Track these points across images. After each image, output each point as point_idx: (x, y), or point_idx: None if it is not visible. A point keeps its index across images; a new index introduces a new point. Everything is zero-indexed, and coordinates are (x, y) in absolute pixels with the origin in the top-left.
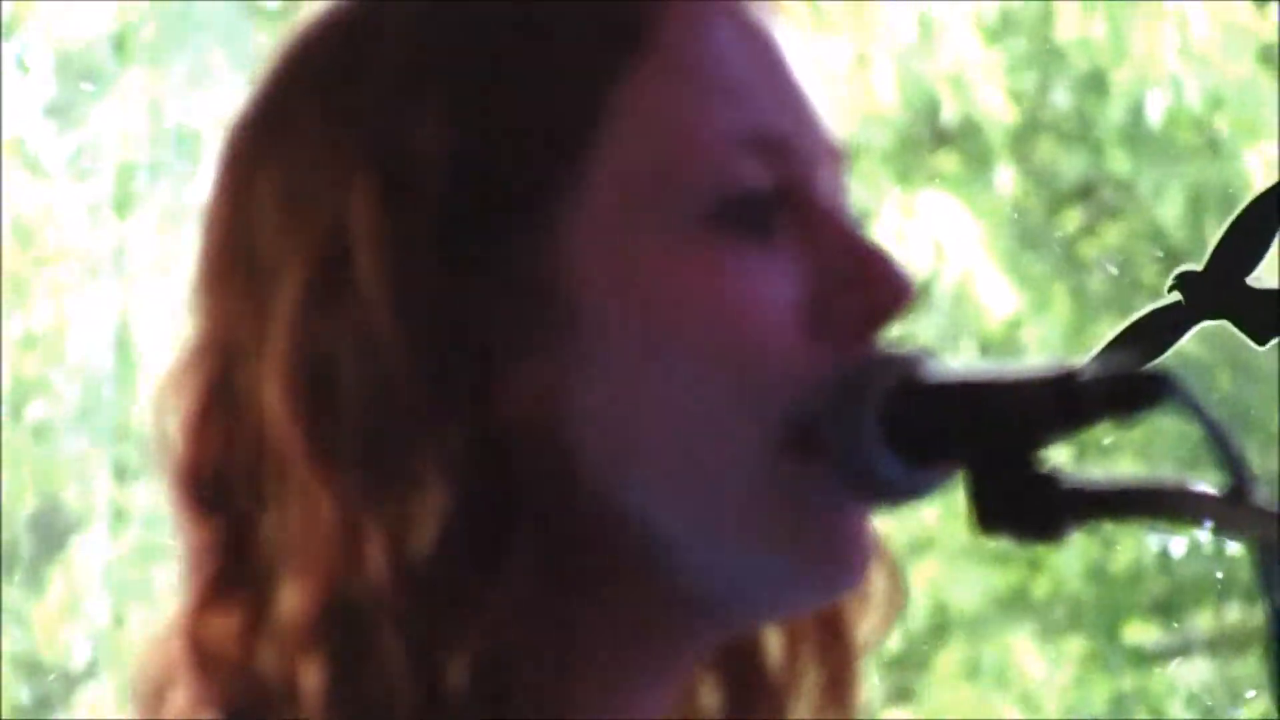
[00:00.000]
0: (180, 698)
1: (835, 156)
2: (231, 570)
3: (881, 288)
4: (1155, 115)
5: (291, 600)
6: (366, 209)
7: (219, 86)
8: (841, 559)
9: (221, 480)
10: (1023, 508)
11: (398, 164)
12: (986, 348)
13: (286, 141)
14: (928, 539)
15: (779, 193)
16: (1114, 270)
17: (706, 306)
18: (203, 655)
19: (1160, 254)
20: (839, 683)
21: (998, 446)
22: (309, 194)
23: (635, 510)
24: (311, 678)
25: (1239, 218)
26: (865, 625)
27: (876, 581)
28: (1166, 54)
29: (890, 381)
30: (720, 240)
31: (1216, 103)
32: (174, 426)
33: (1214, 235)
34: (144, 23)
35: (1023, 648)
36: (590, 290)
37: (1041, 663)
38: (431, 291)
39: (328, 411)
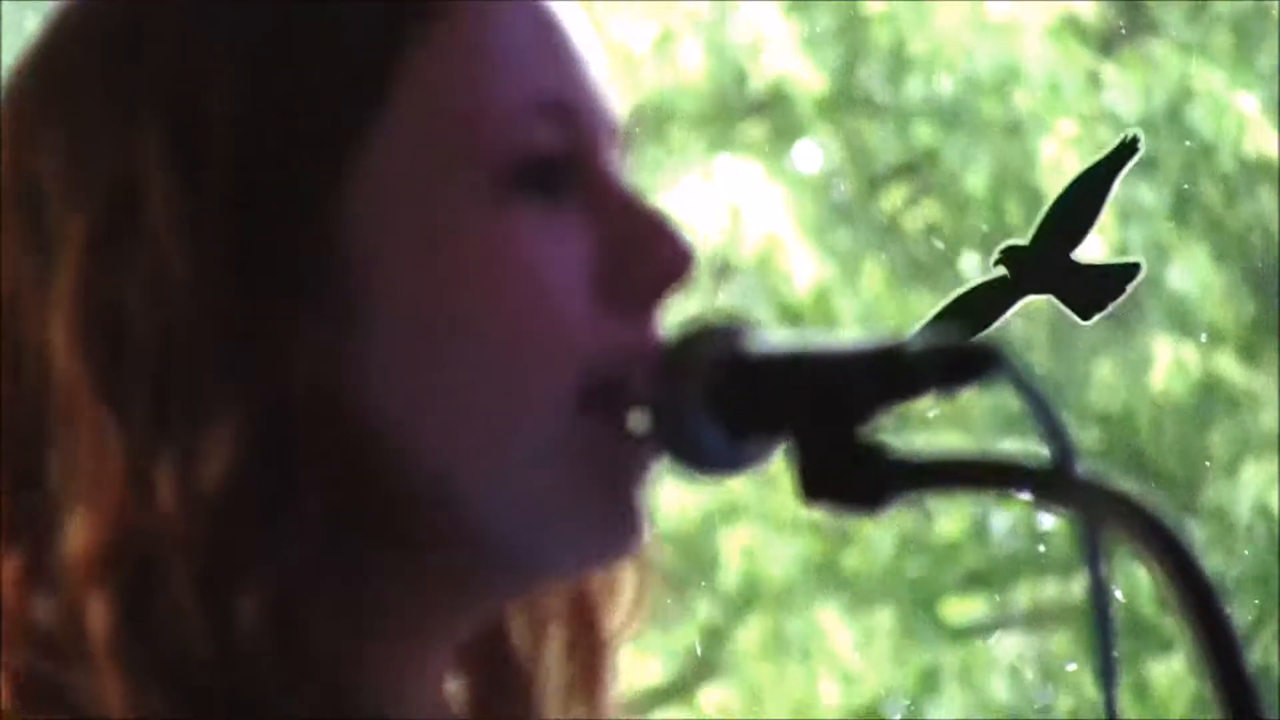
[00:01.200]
0: None
1: (616, 132)
2: (12, 517)
3: (664, 254)
4: (952, 88)
5: (78, 537)
6: (157, 159)
7: None
8: (626, 522)
9: (3, 428)
10: (847, 479)
11: (188, 120)
12: (792, 318)
13: (71, 94)
14: (738, 507)
15: (568, 159)
16: (940, 245)
17: (497, 268)
18: None
19: (984, 228)
20: (588, 675)
21: (823, 418)
22: (96, 143)
23: (429, 467)
24: (99, 615)
25: (1065, 193)
26: (615, 616)
27: (627, 572)
28: (963, 28)
29: (715, 353)
30: (512, 204)
31: (1013, 76)
32: None
33: (1016, 208)
34: None
35: (832, 621)
36: (382, 252)
37: (850, 635)
38: (222, 243)
39: (116, 352)
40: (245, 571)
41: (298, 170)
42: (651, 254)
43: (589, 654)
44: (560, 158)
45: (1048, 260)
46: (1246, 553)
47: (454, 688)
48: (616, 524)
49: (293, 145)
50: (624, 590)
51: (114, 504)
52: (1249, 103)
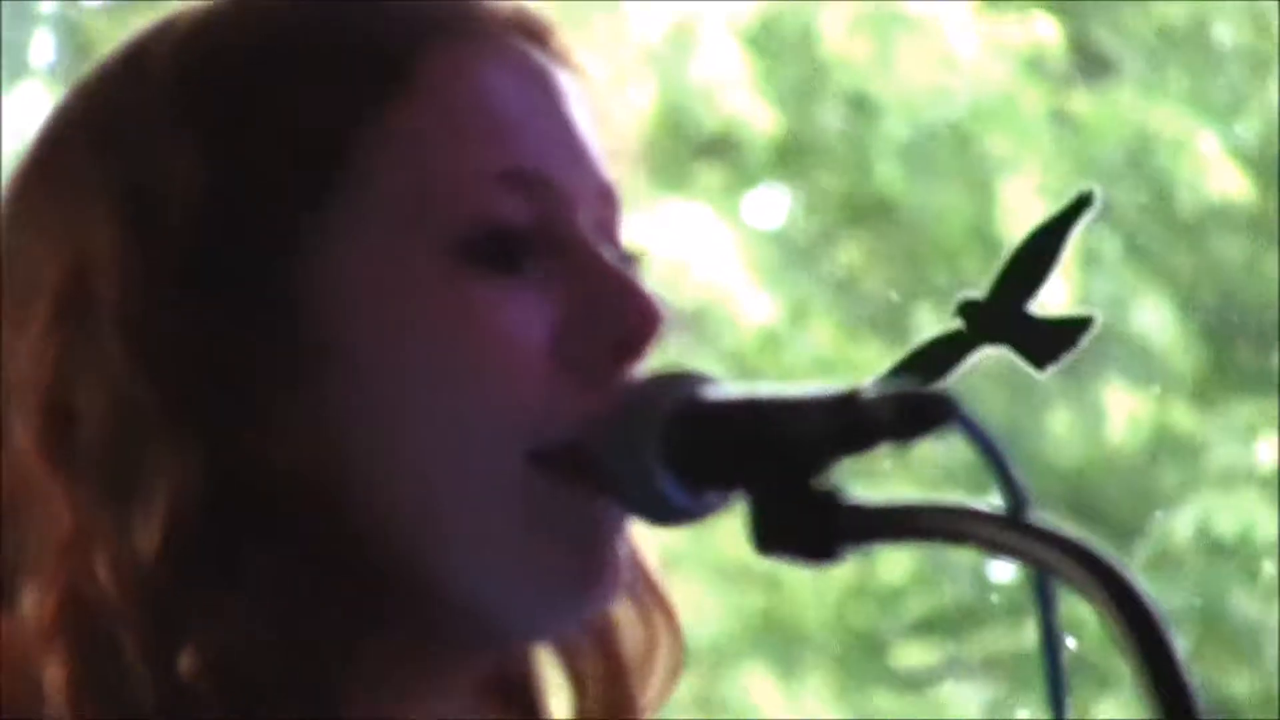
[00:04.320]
0: None
1: (605, 196)
2: None
3: (627, 320)
4: (920, 133)
5: (32, 604)
6: (109, 239)
7: None
8: (593, 578)
9: None
10: (801, 528)
11: (147, 197)
12: (741, 366)
13: (50, 177)
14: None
15: (536, 228)
16: (895, 297)
17: (450, 337)
18: None
19: (942, 282)
20: None
21: (778, 467)
22: (61, 225)
23: (393, 531)
24: (55, 676)
25: (1021, 247)
26: (649, 685)
27: (663, 643)
28: (930, 69)
29: (671, 404)
30: (471, 273)
31: (981, 118)
32: None
33: (981, 255)
34: None
35: (759, 679)
36: (338, 318)
37: (779, 694)
38: (171, 321)
39: (66, 430)
40: (188, 632)
41: (253, 250)
42: (615, 318)
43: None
44: (525, 227)
45: (1004, 313)
46: (1187, 586)
47: None
48: (583, 583)
49: (252, 217)
50: (659, 661)
51: (61, 575)
52: (1209, 142)
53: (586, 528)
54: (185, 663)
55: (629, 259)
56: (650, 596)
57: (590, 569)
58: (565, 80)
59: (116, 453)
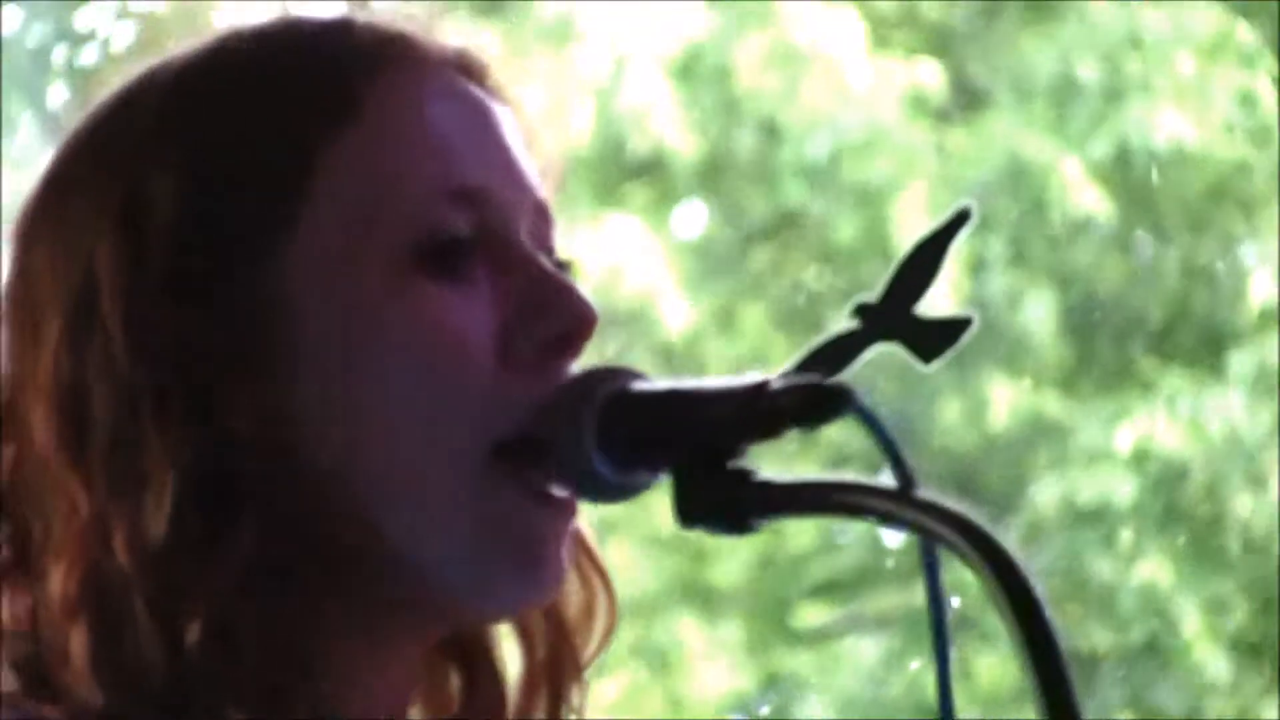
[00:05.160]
0: None
1: (539, 211)
2: (17, 562)
3: (565, 318)
4: (822, 156)
5: (57, 583)
6: (109, 255)
7: None
8: (540, 569)
9: (8, 491)
10: (719, 503)
11: (138, 217)
12: (669, 362)
13: (57, 206)
14: (615, 527)
15: (479, 238)
16: (801, 301)
17: (406, 337)
18: (7, 627)
19: (843, 286)
20: (561, 692)
21: (698, 450)
22: (68, 247)
23: (359, 511)
24: (77, 645)
25: (908, 256)
26: (589, 642)
27: (601, 604)
28: (830, 101)
29: (605, 394)
30: (421, 279)
31: (872, 145)
32: None
33: (877, 263)
34: None
35: (687, 629)
36: (305, 321)
37: (705, 644)
38: (161, 324)
39: (81, 428)
40: (189, 601)
41: (230, 252)
42: (555, 317)
43: (564, 673)
44: (469, 237)
45: (894, 314)
46: (1054, 551)
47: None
48: (531, 571)
49: (225, 230)
50: (598, 620)
51: (82, 556)
52: (1072, 165)
53: (537, 523)
54: (191, 628)
55: (563, 266)
56: (589, 564)
57: (532, 566)
58: (501, 111)
59: (125, 445)
